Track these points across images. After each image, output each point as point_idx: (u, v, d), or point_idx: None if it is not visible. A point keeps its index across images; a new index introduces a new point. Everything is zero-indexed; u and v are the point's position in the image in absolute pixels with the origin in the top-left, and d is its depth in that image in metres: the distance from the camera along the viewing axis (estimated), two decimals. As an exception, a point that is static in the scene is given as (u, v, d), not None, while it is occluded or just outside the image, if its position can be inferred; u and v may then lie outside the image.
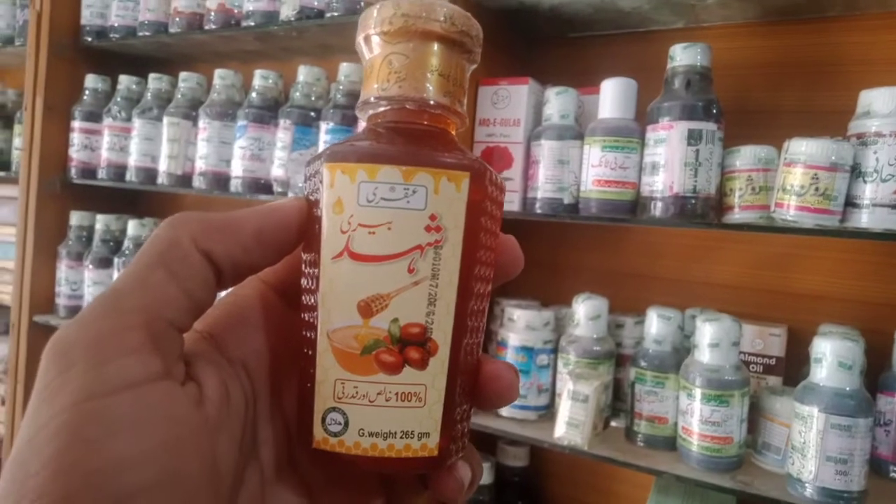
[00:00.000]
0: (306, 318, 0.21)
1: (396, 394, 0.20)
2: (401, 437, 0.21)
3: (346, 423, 0.20)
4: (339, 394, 0.21)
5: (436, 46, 0.21)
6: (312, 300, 0.21)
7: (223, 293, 0.23)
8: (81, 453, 0.16)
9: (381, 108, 0.22)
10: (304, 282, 0.22)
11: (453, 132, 0.23)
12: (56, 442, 0.16)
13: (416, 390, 0.21)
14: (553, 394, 0.82)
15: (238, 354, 0.22)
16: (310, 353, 0.21)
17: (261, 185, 1.01)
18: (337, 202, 0.20)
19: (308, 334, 0.21)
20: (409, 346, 0.20)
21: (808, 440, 0.62)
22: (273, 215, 0.21)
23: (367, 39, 0.22)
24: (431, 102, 0.22)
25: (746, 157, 0.70)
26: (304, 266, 0.22)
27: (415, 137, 0.22)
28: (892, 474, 0.69)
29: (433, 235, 0.20)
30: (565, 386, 0.75)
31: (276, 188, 0.99)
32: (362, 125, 0.24)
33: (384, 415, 0.20)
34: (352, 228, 0.20)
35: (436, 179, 0.20)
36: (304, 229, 0.22)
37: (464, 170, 0.20)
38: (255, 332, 0.23)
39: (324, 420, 0.21)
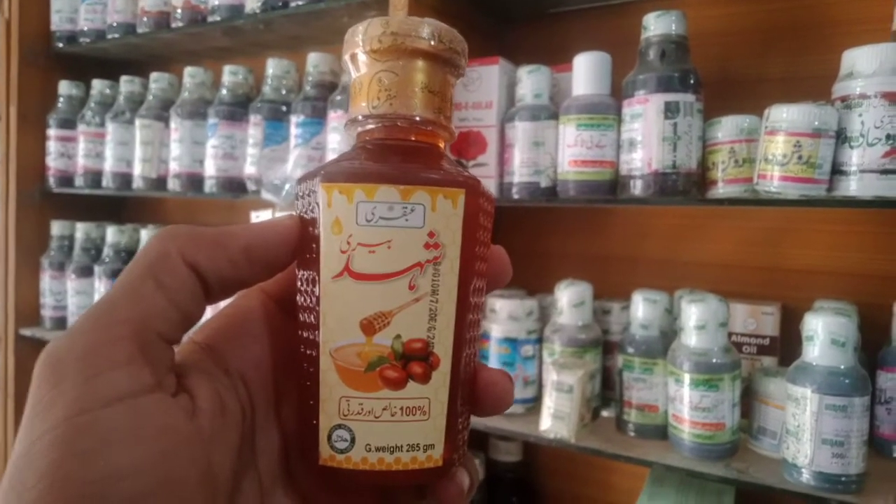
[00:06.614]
0: (305, 336, 0.21)
1: (401, 408, 0.21)
2: (407, 451, 0.21)
3: (353, 440, 0.21)
4: (344, 411, 0.21)
5: (424, 63, 0.22)
6: (312, 318, 0.21)
7: (226, 302, 0.23)
8: (76, 465, 0.17)
9: (371, 126, 0.22)
10: (301, 299, 0.22)
11: (442, 146, 0.23)
12: (50, 455, 0.17)
13: (420, 404, 0.21)
14: (540, 385, 0.79)
15: (236, 365, 0.22)
16: (311, 370, 0.21)
17: (235, 185, 0.98)
18: (335, 222, 0.21)
19: (308, 352, 0.21)
20: (413, 360, 0.21)
21: (803, 423, 0.59)
22: (264, 233, 0.21)
23: (353, 58, 0.22)
24: (421, 119, 0.22)
25: (728, 128, 0.66)
26: (300, 284, 0.22)
27: (407, 154, 0.22)
28: (896, 454, 0.65)
29: (432, 252, 0.21)
30: (549, 377, 0.72)
31: (250, 186, 0.96)
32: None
33: (390, 429, 0.21)
34: (351, 248, 0.21)
35: (433, 197, 0.21)
36: (298, 247, 0.22)
37: (459, 186, 0.21)
38: (254, 342, 0.23)
39: (330, 437, 0.21)
